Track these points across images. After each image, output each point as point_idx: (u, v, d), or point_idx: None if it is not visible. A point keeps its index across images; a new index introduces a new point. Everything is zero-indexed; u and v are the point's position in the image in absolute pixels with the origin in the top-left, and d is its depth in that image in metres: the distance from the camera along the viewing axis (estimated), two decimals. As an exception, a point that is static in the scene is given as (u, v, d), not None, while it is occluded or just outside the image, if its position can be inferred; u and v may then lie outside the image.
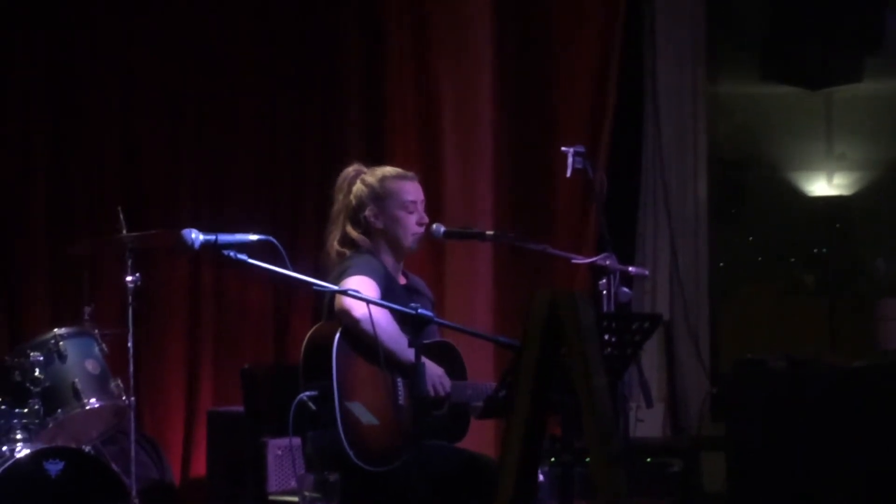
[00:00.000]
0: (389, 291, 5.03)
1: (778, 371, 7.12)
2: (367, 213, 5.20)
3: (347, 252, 5.16)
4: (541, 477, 5.39)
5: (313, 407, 4.79)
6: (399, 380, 4.95)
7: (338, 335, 4.85)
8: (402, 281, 5.30)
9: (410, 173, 5.33)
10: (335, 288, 4.75)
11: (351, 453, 4.72)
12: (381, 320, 4.81)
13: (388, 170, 5.30)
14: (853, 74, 8.73)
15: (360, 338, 4.85)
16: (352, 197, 5.24)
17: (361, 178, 5.26)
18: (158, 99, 8.12)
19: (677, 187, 8.40)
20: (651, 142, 8.39)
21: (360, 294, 4.65)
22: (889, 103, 9.46)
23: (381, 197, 5.20)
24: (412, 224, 5.21)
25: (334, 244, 5.21)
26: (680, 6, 8.43)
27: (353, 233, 5.20)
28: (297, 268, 4.38)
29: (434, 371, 5.01)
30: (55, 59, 8.04)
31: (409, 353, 4.86)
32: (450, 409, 5.07)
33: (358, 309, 4.81)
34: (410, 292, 5.26)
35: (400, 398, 4.95)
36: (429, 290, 5.49)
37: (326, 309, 5.08)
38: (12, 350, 6.30)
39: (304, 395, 4.80)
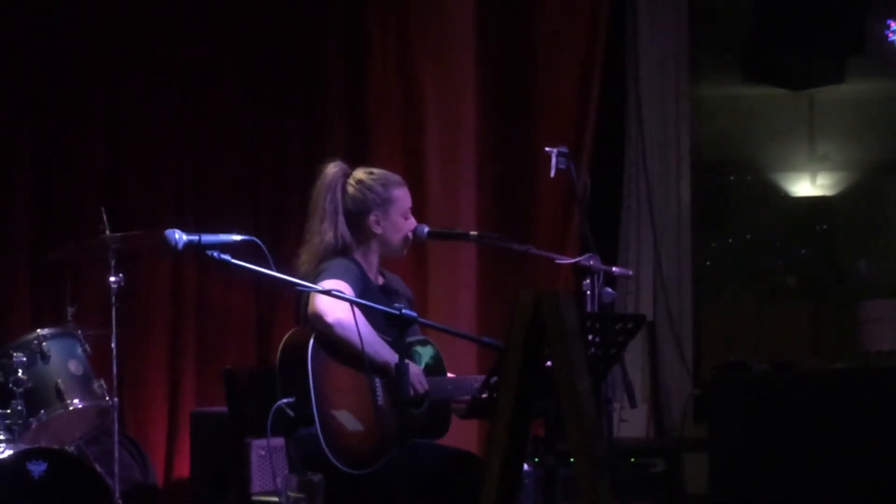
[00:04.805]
0: (366, 293, 5.00)
1: (761, 373, 7.14)
2: (371, 218, 5.16)
3: (335, 249, 5.11)
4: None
5: (291, 414, 4.78)
6: (377, 381, 4.94)
7: (311, 342, 4.83)
8: (380, 281, 5.29)
9: (399, 177, 5.34)
10: (319, 288, 4.73)
11: (333, 459, 4.72)
12: (357, 323, 4.79)
13: (386, 174, 5.27)
14: (835, 75, 8.75)
15: (334, 342, 4.84)
16: (348, 198, 5.19)
17: (358, 180, 5.19)
18: (140, 100, 8.09)
19: (660, 188, 8.41)
20: (634, 143, 8.40)
21: (343, 294, 4.64)
22: (871, 104, 9.50)
23: (386, 203, 5.19)
24: (408, 231, 5.24)
25: (327, 237, 5.09)
26: (663, 9, 8.44)
27: (349, 234, 5.16)
28: (281, 269, 4.38)
29: (411, 370, 4.98)
30: (37, 60, 8.02)
31: (386, 355, 4.86)
32: (430, 406, 5.07)
33: (331, 313, 4.79)
34: (388, 292, 5.25)
35: (379, 399, 4.94)
36: (406, 287, 5.47)
37: (302, 312, 5.05)
38: (-6, 350, 6.29)
39: (282, 402, 4.80)
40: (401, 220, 5.22)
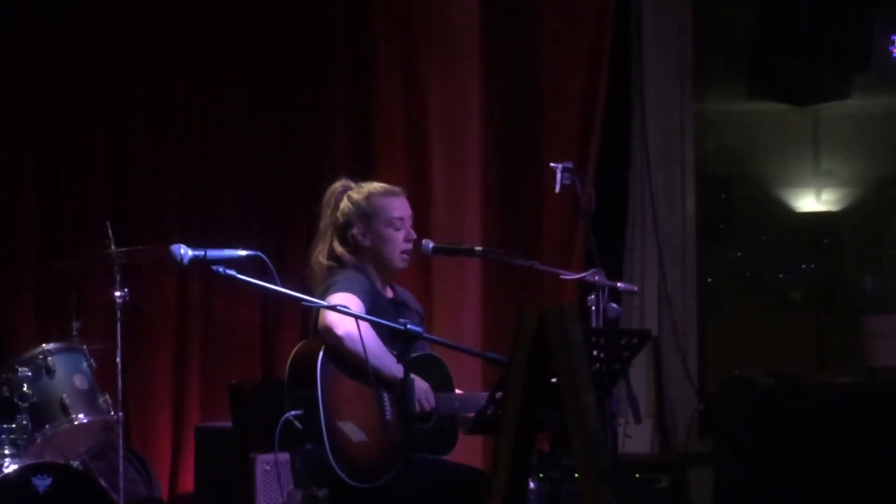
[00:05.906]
0: (376, 307, 5.01)
1: (765, 388, 7.13)
2: (354, 231, 5.18)
3: (334, 265, 5.15)
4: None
5: (299, 426, 4.78)
6: (385, 395, 4.94)
7: (321, 353, 4.84)
8: (390, 294, 5.29)
9: (398, 188, 5.32)
10: (324, 303, 4.74)
11: (339, 471, 4.71)
12: (366, 337, 4.78)
13: (375, 186, 5.29)
14: (840, 91, 8.76)
15: (343, 355, 4.84)
16: (339, 214, 5.22)
17: (348, 195, 5.24)
18: (146, 114, 8.10)
19: (665, 203, 8.41)
20: (639, 158, 8.40)
21: (348, 309, 4.65)
22: (876, 120, 9.50)
23: (367, 215, 5.18)
24: (399, 241, 5.20)
25: (319, 258, 5.18)
26: (667, 23, 8.44)
27: (340, 249, 5.18)
28: (286, 284, 4.38)
29: (419, 386, 4.99)
30: (43, 73, 8.03)
31: (394, 369, 4.86)
32: (437, 422, 5.07)
33: (341, 326, 4.80)
34: (398, 306, 5.25)
35: (387, 413, 4.94)
36: (417, 302, 5.48)
37: (312, 325, 5.06)
38: (0, 365, 6.29)
39: (290, 414, 4.79)
40: (388, 231, 5.19)
